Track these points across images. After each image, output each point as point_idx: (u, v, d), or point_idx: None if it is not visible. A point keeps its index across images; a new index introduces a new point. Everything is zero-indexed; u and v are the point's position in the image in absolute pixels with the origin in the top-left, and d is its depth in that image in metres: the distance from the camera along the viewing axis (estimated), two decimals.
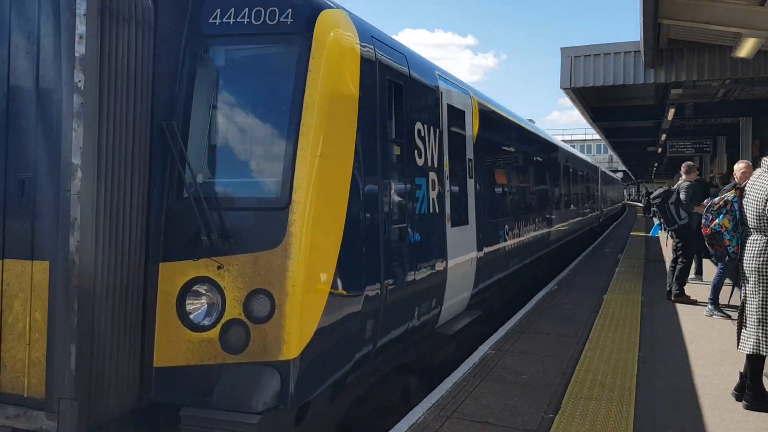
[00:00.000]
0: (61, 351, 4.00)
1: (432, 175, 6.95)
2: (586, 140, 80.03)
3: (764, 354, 5.55)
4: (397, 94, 6.11)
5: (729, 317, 9.35)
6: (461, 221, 8.01)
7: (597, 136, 44.27)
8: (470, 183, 8.58)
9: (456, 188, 7.92)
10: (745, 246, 5.75)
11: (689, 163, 11.58)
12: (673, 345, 8.00)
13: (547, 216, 14.70)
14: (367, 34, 5.63)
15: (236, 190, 4.84)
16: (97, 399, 4.14)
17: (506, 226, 10.53)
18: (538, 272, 14.28)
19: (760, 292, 5.56)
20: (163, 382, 4.56)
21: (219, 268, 4.49)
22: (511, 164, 11.93)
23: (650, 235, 23.44)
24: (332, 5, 5.22)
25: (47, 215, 4.13)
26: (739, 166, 8.30)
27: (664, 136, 27.76)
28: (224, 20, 4.89)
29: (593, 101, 23.99)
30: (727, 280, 9.79)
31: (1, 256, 4.22)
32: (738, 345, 5.78)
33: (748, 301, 5.67)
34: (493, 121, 10.44)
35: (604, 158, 72.78)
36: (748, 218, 5.75)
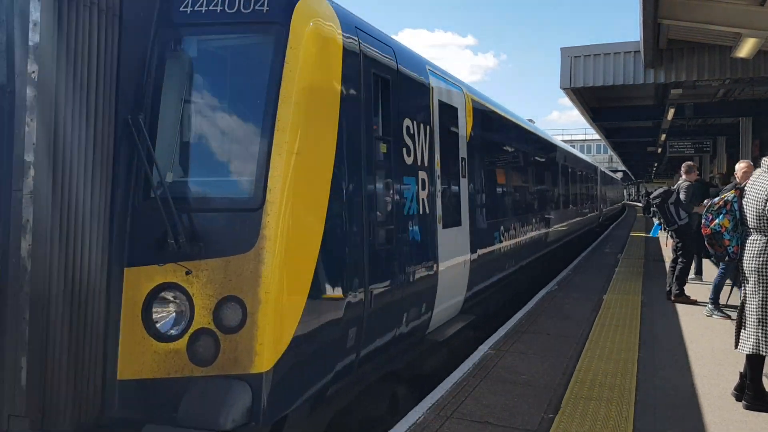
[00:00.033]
0: (11, 364, 3.69)
1: (422, 175, 6.64)
2: (586, 140, 79.98)
3: (764, 354, 5.49)
4: (384, 89, 5.81)
5: (729, 317, 9.23)
6: (453, 222, 7.70)
7: (597, 136, 44.21)
8: (463, 183, 8.25)
9: (448, 188, 7.62)
10: (745, 246, 5.73)
11: (689, 163, 11.50)
12: (673, 345, 7.93)
13: (545, 216, 14.36)
14: (350, 24, 5.29)
15: (207, 189, 4.52)
16: (51, 416, 3.85)
17: (502, 228, 10.18)
18: (535, 274, 13.94)
19: (760, 292, 5.51)
20: (127, 397, 4.21)
21: (187, 273, 4.17)
22: (507, 164, 11.54)
23: (651, 235, 23.46)
24: None
25: None
26: (740, 166, 8.17)
27: (664, 136, 27.67)
28: (196, 8, 4.58)
29: (593, 101, 23.92)
30: (726, 280, 9.81)
31: None
32: (736, 345, 5.76)
33: (747, 301, 5.61)
34: (487, 118, 10.07)
35: (604, 158, 72.78)
36: (747, 218, 5.71)
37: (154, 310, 4.25)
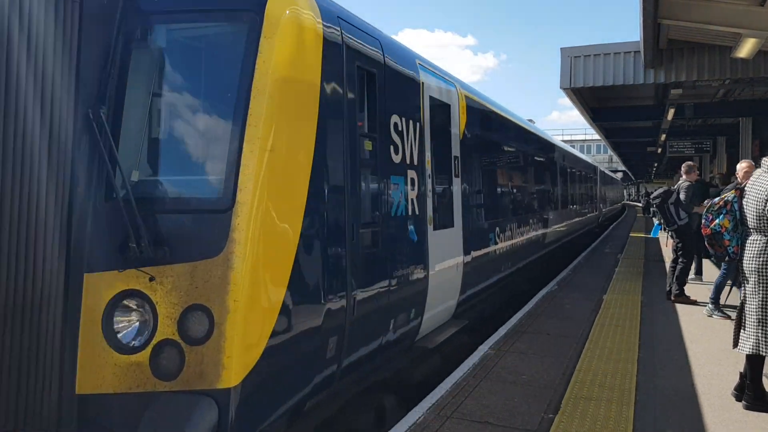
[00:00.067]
0: None
1: (411, 174, 6.32)
2: (586, 140, 79.96)
3: (764, 354, 5.45)
4: (369, 83, 5.52)
5: (729, 317, 9.13)
6: (445, 224, 7.39)
7: (597, 136, 44.14)
8: (456, 182, 7.92)
9: (439, 188, 7.31)
10: (745, 246, 5.73)
11: (689, 163, 11.45)
12: (672, 345, 7.87)
13: (543, 217, 14.06)
14: (332, 13, 4.96)
15: (173, 189, 4.20)
16: None
17: (497, 229, 9.84)
18: (533, 276, 13.66)
19: (760, 292, 5.47)
20: (86, 413, 3.86)
21: (151, 280, 3.87)
22: (503, 163, 11.19)
23: (651, 236, 23.44)
24: None
25: None
26: (741, 166, 8.05)
27: (663, 136, 27.62)
28: None
29: (593, 101, 23.88)
30: (728, 281, 9.78)
31: None
32: (734, 344, 5.73)
33: (747, 301, 5.57)
34: (482, 116, 9.71)
35: (604, 158, 72.73)
36: (748, 218, 5.69)
37: (115, 319, 3.93)
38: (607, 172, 43.03)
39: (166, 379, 3.82)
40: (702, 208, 8.03)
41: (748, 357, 5.62)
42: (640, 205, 49.34)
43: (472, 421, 5.32)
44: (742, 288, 5.74)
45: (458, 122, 8.20)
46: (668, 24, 13.40)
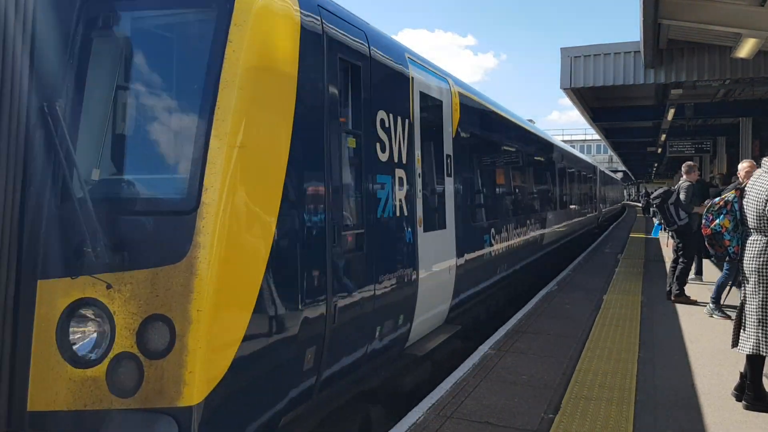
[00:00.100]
0: None
1: (399, 173, 6.01)
2: (586, 140, 80.00)
3: (764, 354, 5.43)
4: (353, 77, 5.24)
5: (729, 317, 9.05)
6: (437, 225, 7.08)
7: (597, 137, 44.15)
8: (449, 182, 7.58)
9: (430, 188, 6.99)
10: (745, 246, 5.72)
11: (689, 163, 11.41)
12: (673, 345, 7.83)
13: (540, 218, 13.79)
14: (311, 2, 4.69)
15: (133, 189, 3.91)
16: None
17: (492, 230, 9.51)
18: (531, 278, 13.46)
19: (761, 292, 5.44)
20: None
21: (108, 287, 3.56)
22: (499, 162, 10.84)
23: (651, 236, 23.44)
24: None
25: None
26: (743, 165, 7.94)
27: (664, 136, 27.61)
28: None
29: (593, 101, 23.86)
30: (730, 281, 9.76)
31: None
32: (733, 344, 5.71)
33: (748, 302, 5.54)
34: (477, 113, 9.34)
35: (604, 158, 72.74)
36: (748, 218, 5.66)
37: (70, 329, 3.62)
38: (606, 171, 42.95)
39: (123, 396, 3.51)
40: (702, 208, 8.01)
41: (749, 357, 5.61)
42: (640, 205, 49.34)
43: (472, 421, 5.31)
44: (742, 288, 5.73)
45: (451, 120, 7.86)
46: (668, 24, 13.38)
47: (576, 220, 20.90)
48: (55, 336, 3.62)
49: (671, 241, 11.60)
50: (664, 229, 11.95)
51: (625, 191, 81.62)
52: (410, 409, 5.70)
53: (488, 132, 10.14)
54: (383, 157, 5.70)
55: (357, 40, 5.36)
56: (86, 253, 3.56)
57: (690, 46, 15.69)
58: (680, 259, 10.86)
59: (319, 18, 4.71)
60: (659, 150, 35.15)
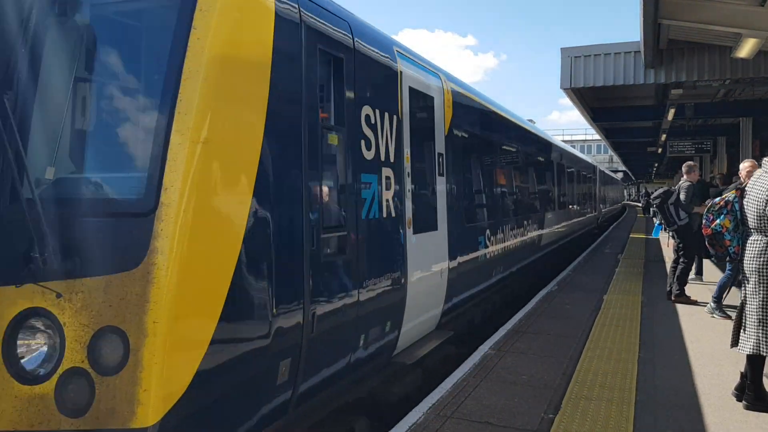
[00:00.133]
0: None
1: (386, 172, 5.75)
2: (586, 140, 79.99)
3: (764, 354, 5.45)
4: (336, 70, 4.98)
5: (729, 317, 9.09)
6: (427, 227, 6.80)
7: (597, 137, 44.14)
8: (440, 182, 7.30)
9: (420, 188, 6.72)
10: (746, 246, 5.72)
11: (690, 163, 11.41)
12: (673, 345, 7.85)
13: (538, 218, 13.60)
14: None
15: (87, 189, 3.63)
16: None
17: (488, 231, 9.23)
18: (528, 279, 13.29)
19: (761, 292, 5.45)
20: None
21: (58, 297, 3.30)
22: (494, 161, 10.51)
23: (652, 236, 23.43)
24: None
25: None
26: (744, 165, 7.99)
27: (664, 136, 27.61)
28: None
29: (593, 101, 23.86)
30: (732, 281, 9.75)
31: None
32: (733, 344, 5.71)
33: (748, 302, 5.56)
34: (471, 111, 9.05)
35: (604, 158, 72.71)
36: (748, 218, 5.66)
37: (18, 342, 3.36)
38: (606, 171, 42.91)
39: (73, 416, 3.25)
40: (702, 208, 8.00)
41: (749, 357, 5.61)
42: (640, 205, 49.37)
43: (472, 421, 5.30)
44: (743, 288, 5.73)
45: (443, 116, 7.54)
46: (668, 24, 13.40)
47: (575, 220, 20.73)
48: (1, 349, 3.36)
49: (672, 241, 11.59)
50: (665, 230, 11.94)
51: (625, 191, 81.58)
52: (395, 421, 5.46)
53: (483, 130, 9.82)
54: (369, 155, 5.42)
55: (339, 30, 5.07)
56: (34, 259, 3.30)
57: (690, 46, 15.70)
58: (681, 260, 10.87)
59: (296, 5, 4.41)
60: (659, 150, 35.13)
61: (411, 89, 6.52)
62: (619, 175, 72.43)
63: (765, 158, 5.79)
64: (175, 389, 3.30)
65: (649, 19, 12.51)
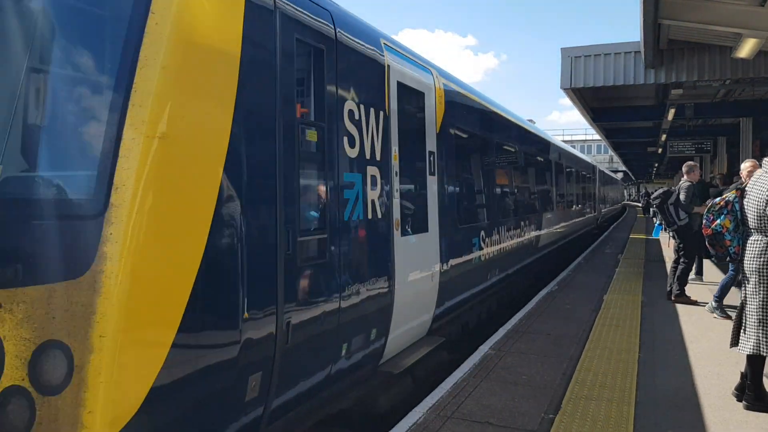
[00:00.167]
0: None
1: (372, 171, 5.49)
2: (586, 140, 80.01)
3: (764, 354, 5.46)
4: (316, 62, 4.72)
5: (729, 317, 9.10)
6: (417, 228, 6.55)
7: (597, 137, 44.14)
8: (431, 181, 7.01)
9: (410, 188, 6.47)
10: (746, 246, 5.72)
11: (690, 163, 11.40)
12: (673, 345, 7.86)
13: (535, 219, 13.37)
14: None
15: (31, 189, 3.30)
16: None
17: (482, 233, 8.92)
18: (526, 281, 13.18)
19: (761, 292, 5.46)
20: None
21: None
22: (489, 160, 10.18)
23: (652, 236, 23.42)
24: None
25: None
26: (745, 165, 7.97)
27: (664, 137, 27.60)
28: None
29: (593, 101, 23.86)
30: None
31: None
32: (732, 344, 5.72)
33: (748, 302, 5.57)
34: (464, 108, 8.69)
35: (604, 158, 72.73)
36: (748, 219, 5.66)
37: None
38: (606, 171, 42.85)
39: None
40: (703, 209, 8.00)
41: (749, 357, 5.61)
42: (640, 205, 49.38)
43: (472, 421, 5.31)
44: (743, 288, 5.74)
45: (434, 113, 7.25)
46: (668, 24, 13.41)
47: (574, 221, 20.59)
48: None
49: (673, 241, 11.60)
50: (665, 230, 11.95)
51: (625, 191, 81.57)
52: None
53: (477, 128, 9.51)
54: (352, 152, 5.15)
55: (320, 20, 4.78)
56: None
57: (690, 46, 15.71)
58: (681, 260, 10.88)
59: None
60: (660, 150, 35.13)
61: (399, 84, 6.26)
62: (620, 175, 72.45)
63: (765, 158, 5.79)
64: (123, 411, 3.02)
65: (649, 19, 12.52)
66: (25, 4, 3.52)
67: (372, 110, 5.55)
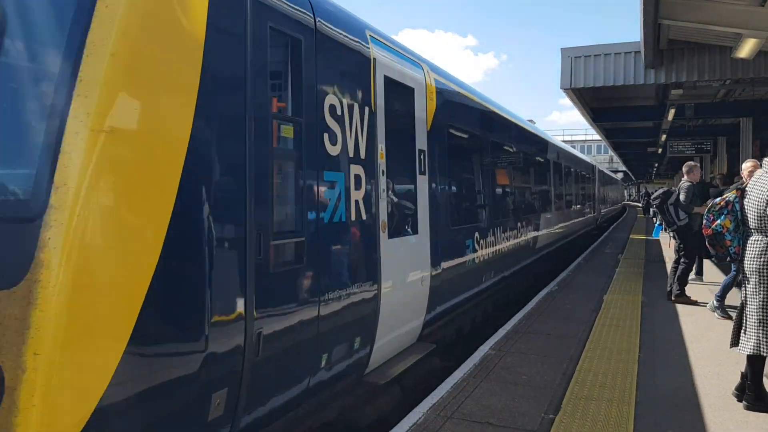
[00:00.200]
0: None
1: (355, 170, 5.20)
2: (586, 140, 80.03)
3: (765, 354, 5.45)
4: (293, 53, 4.41)
5: (729, 317, 9.09)
6: (406, 230, 6.31)
7: (597, 137, 44.14)
8: (422, 181, 6.72)
9: (398, 187, 6.22)
10: (746, 247, 5.72)
11: (690, 163, 11.36)
12: (673, 345, 7.84)
13: (533, 220, 13.18)
14: None
15: None
16: None
17: (476, 234, 8.64)
18: (524, 283, 12.98)
19: (761, 292, 5.44)
20: None
21: None
22: (484, 159, 9.81)
23: (652, 236, 23.43)
24: None
25: None
26: (746, 165, 7.93)
27: (664, 137, 27.63)
28: None
29: (593, 101, 23.87)
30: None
31: None
32: (731, 344, 5.71)
33: (748, 302, 5.55)
34: (457, 105, 8.38)
35: (604, 158, 72.77)
36: (749, 219, 5.65)
37: None
38: (606, 171, 42.79)
39: None
40: (703, 209, 8.00)
41: (749, 357, 5.62)
42: (640, 205, 49.40)
43: (472, 421, 5.31)
44: (743, 288, 5.74)
45: (425, 109, 6.93)
46: (669, 24, 13.42)
47: (572, 221, 20.44)
48: None
49: (673, 241, 11.60)
50: (665, 230, 11.95)
51: (625, 191, 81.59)
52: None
53: (471, 126, 9.16)
54: (333, 150, 4.85)
55: (297, 8, 4.47)
56: None
57: (690, 47, 15.73)
58: (681, 260, 10.88)
59: None
60: (660, 150, 35.15)
61: (387, 78, 5.95)
62: (620, 176, 72.48)
63: (766, 158, 5.79)
64: None
65: (649, 19, 12.53)
66: None
67: (356, 106, 5.28)
